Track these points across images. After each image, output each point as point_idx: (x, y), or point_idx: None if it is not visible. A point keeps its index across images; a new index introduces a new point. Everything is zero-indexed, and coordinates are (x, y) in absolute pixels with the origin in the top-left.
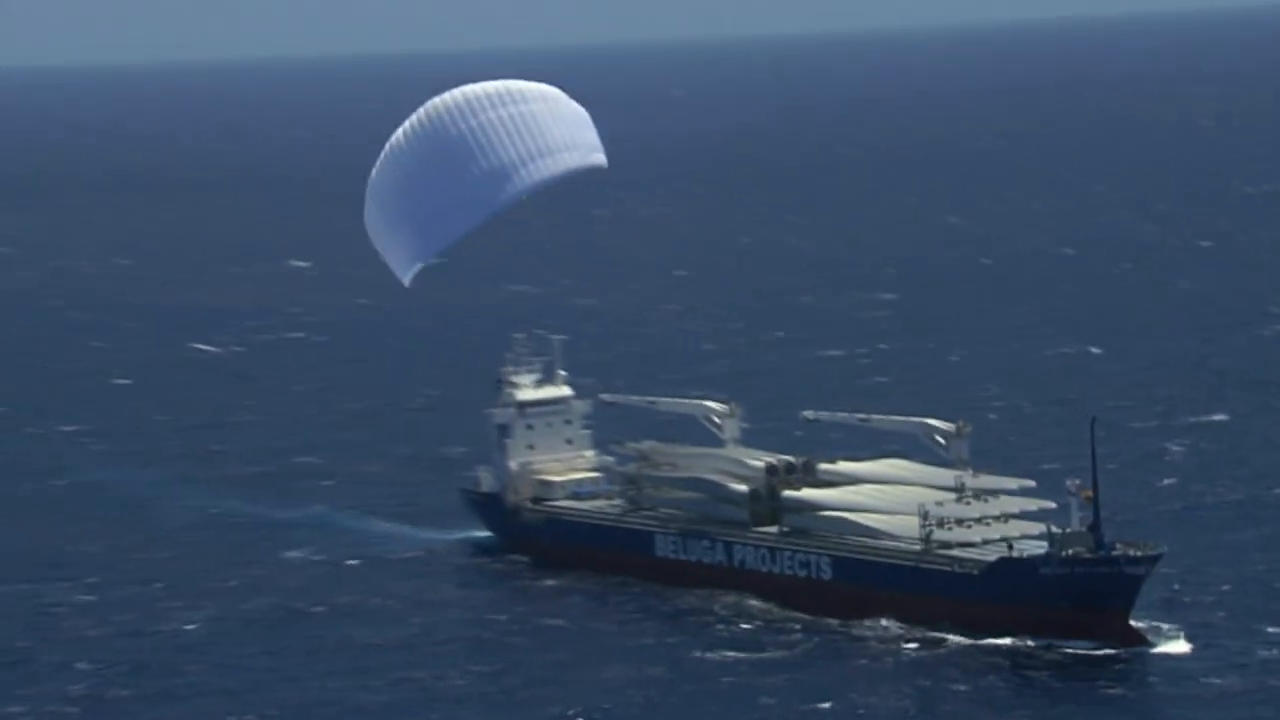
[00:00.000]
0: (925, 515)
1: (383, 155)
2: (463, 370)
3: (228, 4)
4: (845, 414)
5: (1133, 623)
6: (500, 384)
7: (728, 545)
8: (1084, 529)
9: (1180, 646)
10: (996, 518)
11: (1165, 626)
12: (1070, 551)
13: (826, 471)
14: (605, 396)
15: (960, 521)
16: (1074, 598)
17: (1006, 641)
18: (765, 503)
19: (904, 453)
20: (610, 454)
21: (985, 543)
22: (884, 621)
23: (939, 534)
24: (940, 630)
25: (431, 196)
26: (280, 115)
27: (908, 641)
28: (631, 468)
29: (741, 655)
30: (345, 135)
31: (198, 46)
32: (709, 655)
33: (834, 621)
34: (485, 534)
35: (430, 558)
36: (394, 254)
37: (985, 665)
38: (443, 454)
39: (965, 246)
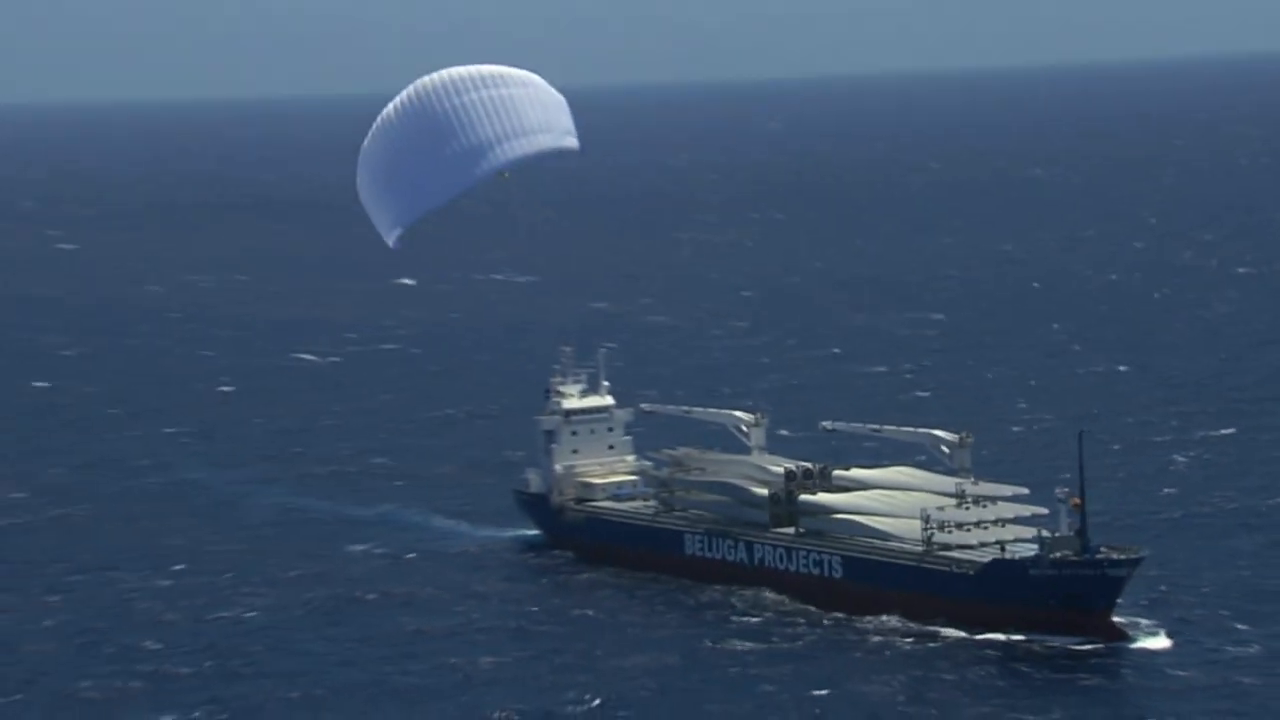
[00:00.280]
0: (927, 519)
1: (374, 127)
2: (535, 381)
3: (342, 42)
4: (860, 425)
5: (1115, 619)
6: (549, 393)
7: (749, 545)
8: (1072, 534)
9: (1159, 642)
10: (993, 522)
11: (1145, 623)
12: (1058, 554)
13: (841, 477)
14: (645, 406)
15: (959, 525)
16: (1061, 597)
17: (999, 636)
18: (784, 506)
19: (927, 462)
20: (648, 459)
21: (981, 545)
22: (888, 617)
23: (939, 537)
24: (939, 626)
25: (414, 168)
26: None
27: (907, 636)
28: (665, 472)
29: (750, 646)
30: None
31: (307, 84)
32: (720, 646)
33: (841, 616)
34: (535, 532)
35: (482, 553)
36: (380, 218)
37: (975, 658)
38: (506, 458)
39: (1016, 270)
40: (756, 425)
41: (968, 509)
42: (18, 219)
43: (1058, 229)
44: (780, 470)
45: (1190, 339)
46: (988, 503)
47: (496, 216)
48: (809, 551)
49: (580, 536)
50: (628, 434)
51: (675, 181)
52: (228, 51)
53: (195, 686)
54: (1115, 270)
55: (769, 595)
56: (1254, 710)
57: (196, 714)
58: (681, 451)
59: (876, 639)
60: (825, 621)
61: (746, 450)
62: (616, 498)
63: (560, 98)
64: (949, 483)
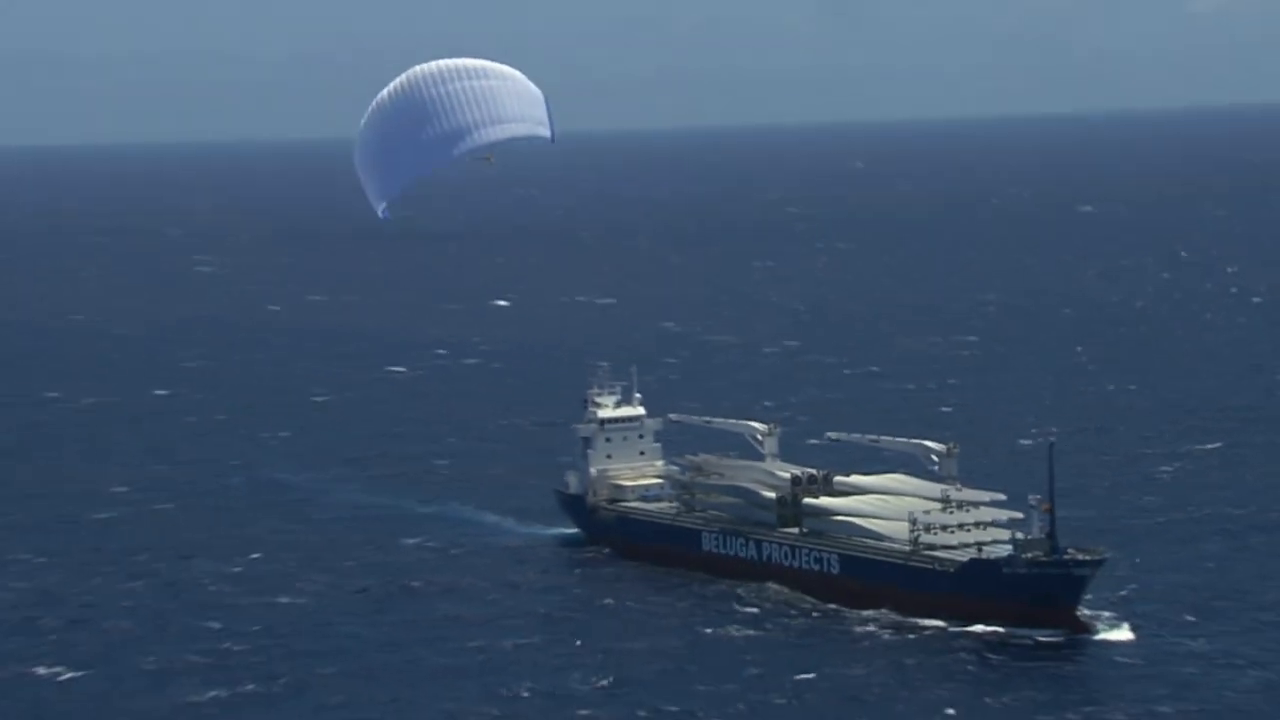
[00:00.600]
0: (914, 522)
1: (369, 109)
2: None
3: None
4: (860, 435)
5: (1080, 614)
6: (586, 403)
7: (758, 543)
8: (1043, 536)
9: (1120, 635)
10: (974, 525)
11: (1107, 615)
12: (1030, 555)
13: (841, 483)
14: (673, 416)
15: (943, 527)
16: (1031, 593)
17: (976, 628)
18: (790, 508)
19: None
20: (674, 464)
21: (962, 546)
22: (879, 610)
23: (925, 538)
24: (923, 618)
25: (400, 146)
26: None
27: (891, 627)
28: (687, 476)
29: (746, 633)
30: (557, 196)
31: None
32: (719, 633)
33: (836, 609)
34: (574, 530)
35: (524, 548)
36: (370, 190)
37: (952, 647)
38: (557, 463)
39: (1052, 297)
40: (770, 435)
41: (951, 513)
42: (166, 244)
43: (1097, 260)
44: (787, 476)
45: (1194, 361)
46: (970, 507)
47: (595, 244)
48: (810, 550)
49: (612, 534)
50: (657, 441)
51: (761, 213)
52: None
53: (248, 663)
54: (1141, 298)
55: (772, 589)
56: (1193, 695)
57: (249, 686)
58: (701, 458)
59: (863, 629)
60: (815, 613)
61: (760, 457)
62: (645, 499)
63: (538, 92)
64: (936, 489)
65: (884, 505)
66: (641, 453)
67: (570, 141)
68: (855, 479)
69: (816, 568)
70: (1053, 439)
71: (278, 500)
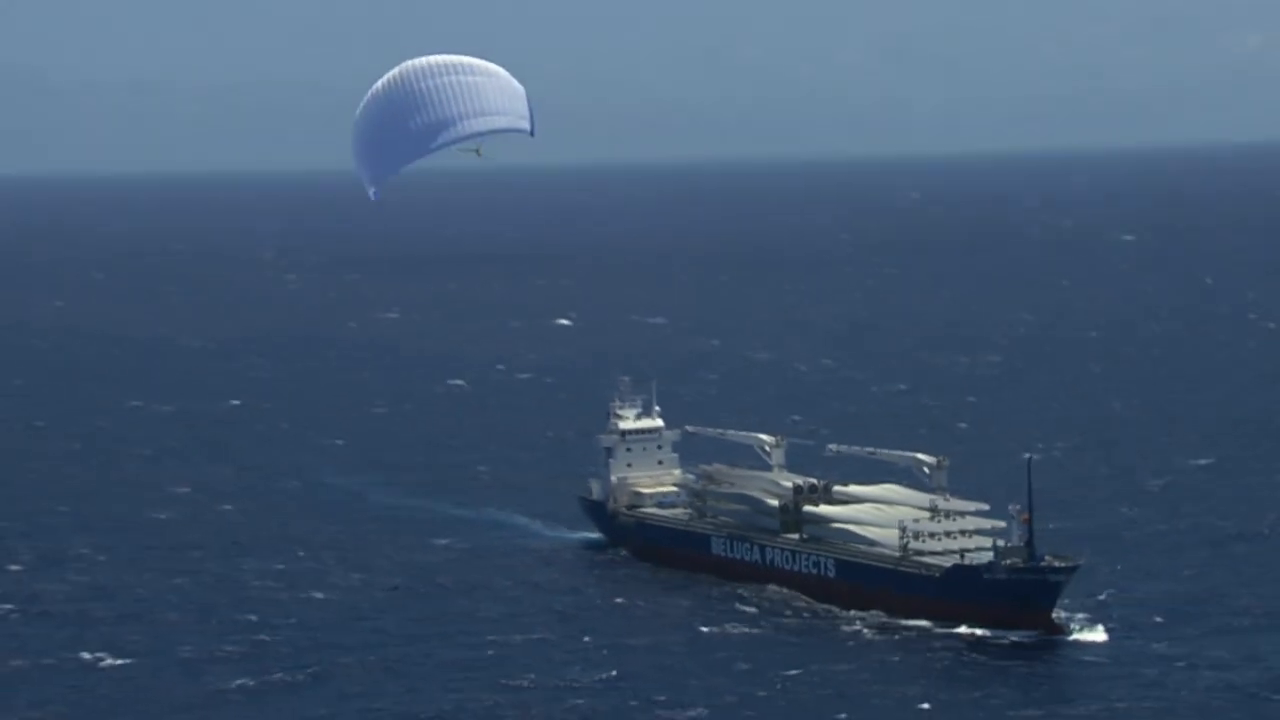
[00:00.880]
0: (904, 529)
1: (364, 99)
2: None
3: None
4: (859, 448)
5: (1055, 616)
6: (609, 415)
7: (762, 548)
8: (1021, 544)
9: (1094, 636)
10: (961, 533)
11: (1082, 618)
12: (1008, 561)
13: (840, 492)
14: (690, 427)
15: (931, 535)
16: (1009, 597)
17: (958, 629)
18: (791, 515)
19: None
20: (690, 473)
21: (947, 553)
22: (870, 612)
23: (914, 544)
24: (910, 620)
25: (391, 135)
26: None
27: (878, 627)
28: (699, 484)
29: (743, 631)
30: (611, 223)
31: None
32: (716, 631)
33: (831, 610)
34: (597, 535)
35: (549, 550)
36: (363, 175)
37: (932, 646)
38: (587, 471)
39: (1079, 319)
40: (777, 446)
41: (939, 521)
42: (258, 265)
43: (1127, 285)
44: (790, 485)
45: (1200, 380)
46: (956, 516)
47: (655, 267)
48: (808, 554)
49: (631, 538)
50: (675, 451)
51: (814, 241)
52: None
53: (278, 654)
54: (1161, 321)
55: (772, 591)
56: (1151, 694)
57: (276, 676)
58: (714, 467)
59: (851, 629)
60: (809, 614)
61: (768, 467)
62: (661, 505)
63: (520, 89)
64: (926, 499)
65: (878, 514)
66: (660, 462)
67: (633, 171)
68: (853, 488)
69: (814, 572)
70: (1030, 455)
71: (326, 503)
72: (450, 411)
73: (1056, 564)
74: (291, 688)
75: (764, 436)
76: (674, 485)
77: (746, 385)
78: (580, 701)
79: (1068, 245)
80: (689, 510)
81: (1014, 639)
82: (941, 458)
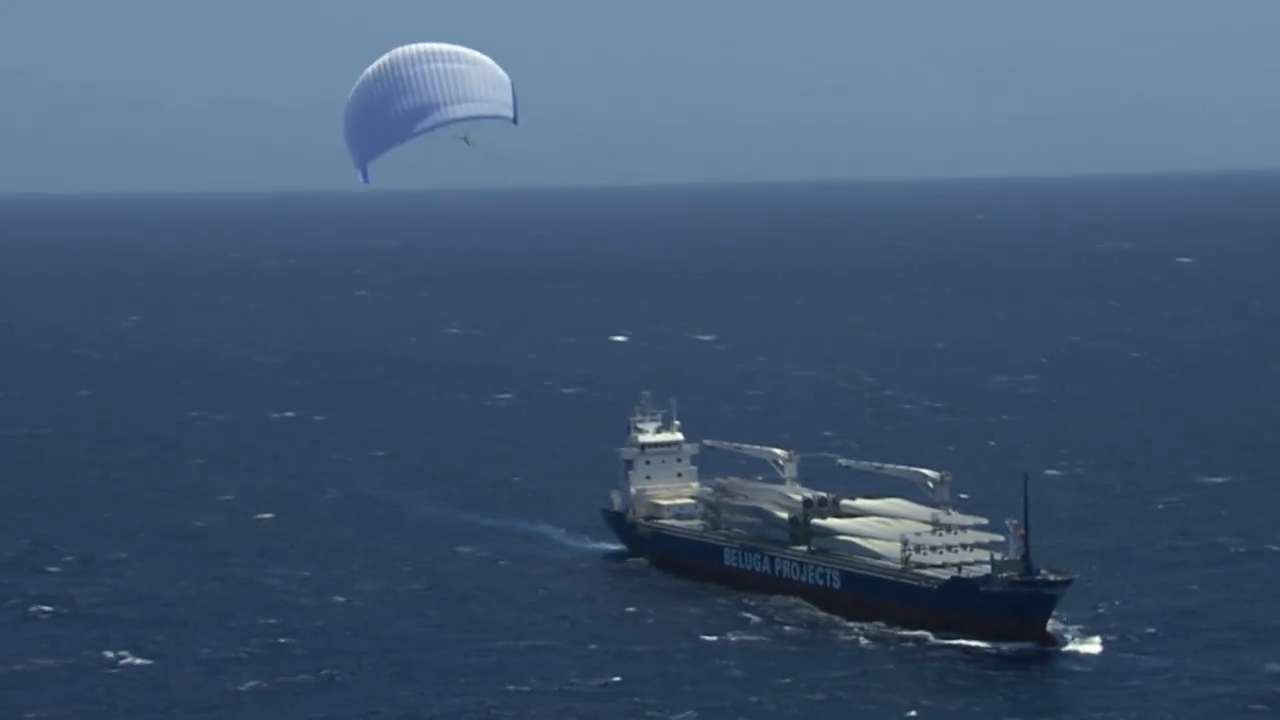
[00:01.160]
0: (905, 542)
1: (356, 84)
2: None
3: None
4: (868, 463)
5: (1049, 628)
6: (629, 429)
7: (771, 559)
8: (1018, 558)
9: (1087, 648)
10: (961, 546)
11: (1077, 629)
12: (1005, 574)
13: (847, 506)
14: (708, 441)
15: (932, 548)
16: (1005, 609)
17: (956, 640)
18: (800, 527)
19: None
20: (707, 485)
21: (946, 565)
22: (871, 622)
23: (915, 557)
24: (910, 630)
25: (377, 119)
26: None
27: (875, 637)
28: (714, 496)
29: (745, 639)
30: (655, 245)
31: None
32: (717, 639)
33: (833, 620)
34: (619, 545)
35: (569, 559)
36: (353, 156)
37: (927, 656)
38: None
39: (1121, 341)
40: (790, 460)
41: (940, 535)
42: (330, 281)
43: (1174, 307)
44: (799, 498)
45: (1229, 402)
46: (957, 530)
47: (700, 286)
48: (815, 566)
49: (649, 548)
50: (694, 464)
51: (877, 261)
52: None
53: (293, 656)
54: (1203, 343)
55: (778, 600)
56: (1135, 704)
57: (288, 678)
58: (729, 480)
59: (849, 639)
60: (811, 624)
61: (781, 481)
62: (679, 516)
63: (505, 78)
64: (929, 513)
65: (882, 527)
66: (679, 474)
67: (721, 191)
68: (860, 502)
69: (821, 582)
70: (1027, 472)
71: (361, 513)
72: (493, 424)
73: (1051, 577)
74: (300, 689)
75: (777, 451)
76: (690, 497)
77: (785, 401)
78: (578, 705)
79: (1124, 267)
80: (704, 522)
81: (1008, 649)
82: (945, 473)
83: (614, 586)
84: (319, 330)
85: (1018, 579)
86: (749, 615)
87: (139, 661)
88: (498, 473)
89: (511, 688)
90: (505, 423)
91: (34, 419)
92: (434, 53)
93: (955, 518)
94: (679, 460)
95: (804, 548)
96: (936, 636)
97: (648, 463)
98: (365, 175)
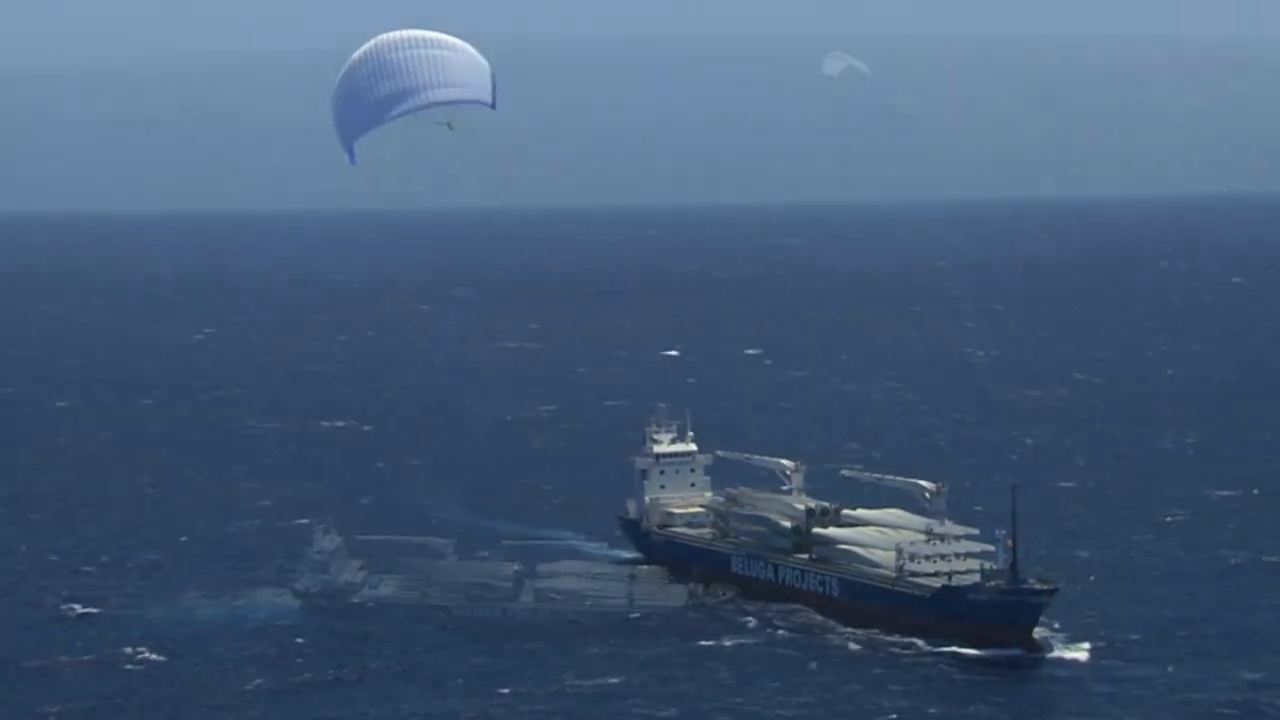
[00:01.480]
0: (900, 551)
1: (343, 68)
2: (717, 432)
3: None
4: (869, 474)
5: (1036, 635)
6: (645, 439)
7: (775, 567)
8: (1006, 567)
9: (1072, 655)
10: (956, 555)
11: (1064, 637)
12: (993, 583)
13: (848, 516)
14: (720, 452)
15: (925, 557)
16: (993, 617)
17: (946, 646)
18: (803, 536)
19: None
20: (719, 495)
21: (938, 574)
22: (867, 629)
23: (909, 566)
24: (903, 636)
25: (359, 103)
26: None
27: (867, 643)
28: (723, 505)
29: (736, 643)
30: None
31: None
32: (712, 644)
33: (830, 626)
34: (634, 554)
35: None
36: (340, 137)
37: (918, 662)
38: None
39: (1157, 359)
40: (796, 471)
41: (933, 544)
42: (395, 293)
43: (1218, 326)
44: (803, 508)
45: (1246, 424)
46: (950, 540)
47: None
48: (816, 574)
49: (662, 555)
50: (707, 474)
51: (935, 277)
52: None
53: (305, 656)
54: (1235, 369)
55: (778, 607)
56: (1109, 712)
57: (296, 678)
58: (738, 490)
59: (841, 644)
60: (803, 630)
61: (787, 491)
62: (691, 525)
63: (486, 64)
64: (924, 523)
65: (879, 536)
66: (692, 484)
67: (796, 210)
68: (860, 512)
69: (820, 590)
70: (1015, 484)
71: (390, 519)
72: (531, 435)
73: (1037, 586)
74: (306, 689)
75: (785, 461)
76: (701, 506)
77: (819, 414)
78: (570, 705)
79: (1173, 287)
80: (713, 530)
81: (995, 655)
82: (940, 484)
83: None
84: (389, 343)
85: (1005, 587)
86: (744, 620)
87: (154, 657)
88: (530, 481)
89: (512, 690)
90: (545, 434)
91: (101, 426)
92: (416, 39)
93: (949, 528)
94: (692, 470)
95: (806, 556)
96: (928, 643)
97: (662, 472)
98: (352, 156)
